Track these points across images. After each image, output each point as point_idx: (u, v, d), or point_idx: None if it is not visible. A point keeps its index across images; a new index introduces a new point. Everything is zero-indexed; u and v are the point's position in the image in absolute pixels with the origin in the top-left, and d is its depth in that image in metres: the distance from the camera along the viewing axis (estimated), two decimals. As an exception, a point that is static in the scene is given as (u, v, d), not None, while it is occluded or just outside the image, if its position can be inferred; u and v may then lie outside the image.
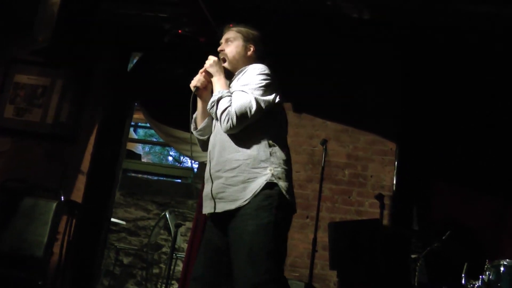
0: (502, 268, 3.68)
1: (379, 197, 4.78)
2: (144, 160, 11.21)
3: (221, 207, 2.60)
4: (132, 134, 9.43)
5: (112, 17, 5.56)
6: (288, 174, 2.66)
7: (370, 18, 4.96)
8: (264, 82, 2.68)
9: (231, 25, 3.00)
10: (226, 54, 2.90)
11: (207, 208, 2.70)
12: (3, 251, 4.53)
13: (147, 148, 13.19)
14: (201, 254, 2.74)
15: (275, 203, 2.53)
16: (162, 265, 7.44)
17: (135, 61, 6.06)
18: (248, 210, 2.52)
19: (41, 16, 4.74)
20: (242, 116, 2.57)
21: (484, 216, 4.83)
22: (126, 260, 7.57)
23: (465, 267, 3.75)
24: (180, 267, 6.77)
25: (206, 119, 2.93)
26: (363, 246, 3.99)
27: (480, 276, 3.73)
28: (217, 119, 2.68)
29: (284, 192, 2.56)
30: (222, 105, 2.63)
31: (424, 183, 5.06)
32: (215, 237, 2.70)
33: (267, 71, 2.73)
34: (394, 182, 5.02)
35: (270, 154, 2.62)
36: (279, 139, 2.73)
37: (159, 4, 5.30)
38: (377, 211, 4.88)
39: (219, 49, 2.94)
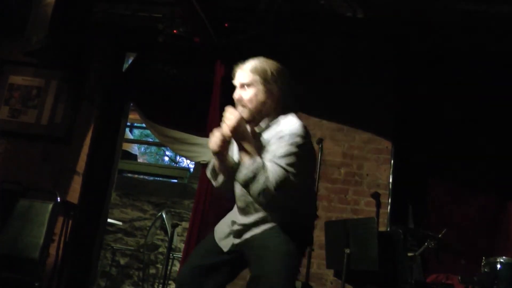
0: (498, 265, 3.70)
1: (375, 196, 4.80)
2: (140, 160, 11.20)
3: (236, 240, 2.59)
4: (128, 135, 9.42)
5: (107, 18, 5.55)
6: (311, 219, 2.76)
7: (364, 17, 4.96)
8: (298, 156, 2.39)
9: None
10: (245, 104, 2.55)
11: (223, 235, 2.67)
12: (-1, 253, 4.53)
13: (142, 148, 13.17)
14: (195, 259, 2.70)
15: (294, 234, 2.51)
16: (158, 266, 7.43)
17: (129, 61, 6.05)
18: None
19: (35, 17, 4.74)
20: (280, 193, 2.35)
21: (480, 214, 4.84)
22: (122, 261, 7.56)
23: (461, 264, 3.77)
24: (177, 267, 6.76)
25: (224, 176, 2.68)
26: (360, 244, 3.98)
27: (477, 274, 3.74)
28: (248, 191, 2.42)
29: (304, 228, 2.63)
30: (258, 183, 2.35)
31: (420, 181, 5.07)
32: (214, 248, 2.68)
33: (303, 139, 2.43)
34: (390, 180, 5.02)
35: (299, 217, 2.60)
36: (308, 200, 2.72)
37: (153, 5, 5.30)
38: (373, 210, 4.91)
39: (235, 96, 2.59)
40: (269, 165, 2.37)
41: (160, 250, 7.52)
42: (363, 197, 5.04)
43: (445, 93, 5.11)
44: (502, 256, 3.77)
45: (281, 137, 2.42)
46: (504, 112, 4.94)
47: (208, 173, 2.73)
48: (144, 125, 7.85)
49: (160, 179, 8.82)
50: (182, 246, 6.51)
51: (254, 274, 2.45)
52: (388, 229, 4.84)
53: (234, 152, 2.65)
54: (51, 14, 4.55)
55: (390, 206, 4.95)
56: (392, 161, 5.07)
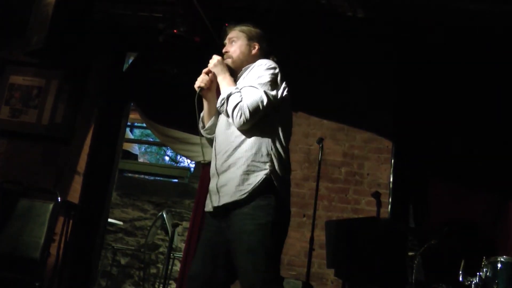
0: (499, 265, 3.69)
1: (376, 195, 4.80)
2: (140, 160, 11.19)
3: (223, 201, 2.62)
4: (128, 134, 9.42)
5: (107, 18, 5.55)
6: (286, 172, 2.70)
7: (365, 16, 4.97)
8: (272, 77, 2.71)
9: (226, 24, 3.00)
10: (230, 55, 2.90)
11: (209, 204, 2.72)
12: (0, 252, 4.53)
13: (143, 148, 13.17)
14: (200, 253, 2.74)
15: (273, 203, 2.55)
16: (159, 265, 7.43)
17: (130, 61, 6.05)
18: (246, 209, 2.54)
19: (36, 17, 4.74)
20: (254, 110, 2.60)
21: (480, 213, 4.83)
22: (123, 261, 7.56)
23: (462, 264, 3.76)
24: (177, 267, 6.76)
25: (212, 118, 2.94)
26: (360, 244, 3.99)
27: (477, 273, 3.74)
28: (227, 115, 2.68)
29: (281, 194, 2.60)
30: (232, 101, 2.64)
31: (421, 181, 5.06)
32: (214, 235, 2.71)
33: (273, 65, 2.77)
34: (391, 180, 5.02)
35: (272, 150, 2.65)
36: (282, 136, 2.76)
37: (153, 4, 5.30)
38: (373, 209, 4.91)
39: (223, 50, 2.93)
40: (243, 89, 2.69)
41: (161, 250, 7.52)
42: (364, 196, 5.04)
43: (446, 93, 5.11)
44: (503, 255, 3.77)
45: (253, 68, 2.79)
46: (505, 112, 4.94)
47: (200, 125, 3.00)
48: (144, 124, 7.84)
49: (161, 178, 8.82)
50: (182, 246, 6.51)
51: (236, 245, 2.54)
52: (389, 229, 4.84)
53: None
54: (51, 14, 4.54)
55: (390, 206, 4.95)
56: (392, 161, 5.07)
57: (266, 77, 2.70)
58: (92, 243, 5.52)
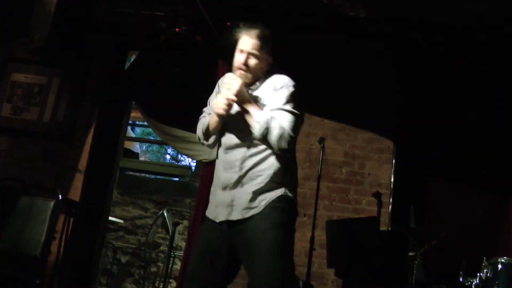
0: (499, 266, 3.70)
1: (377, 195, 4.80)
2: (141, 158, 11.19)
3: (235, 216, 2.66)
4: (130, 133, 9.42)
5: (109, 16, 5.56)
6: (296, 184, 2.81)
7: (367, 16, 4.96)
8: (297, 102, 2.73)
9: (240, 24, 2.92)
10: (250, 70, 2.77)
11: (220, 215, 2.73)
12: (0, 250, 4.53)
13: (144, 146, 13.17)
14: (198, 254, 2.75)
15: (287, 206, 2.66)
16: (160, 264, 7.43)
17: (132, 59, 6.05)
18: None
19: (38, 15, 4.74)
20: (295, 136, 2.66)
21: (481, 214, 4.83)
22: (123, 259, 7.56)
23: (462, 264, 3.76)
24: (178, 265, 6.77)
25: (215, 136, 2.93)
26: (361, 244, 3.99)
27: (478, 274, 3.74)
28: (267, 143, 2.64)
29: (294, 200, 2.72)
30: (275, 130, 2.60)
31: (422, 181, 5.06)
32: (216, 238, 2.72)
33: (296, 86, 2.77)
34: (392, 180, 5.02)
35: (288, 168, 2.73)
36: (294, 152, 2.83)
37: (155, 3, 5.30)
38: (374, 209, 4.91)
39: (243, 62, 2.76)
40: (276, 113, 2.65)
41: (161, 248, 7.53)
42: (365, 196, 5.04)
43: (448, 93, 5.10)
44: (503, 256, 3.77)
45: (277, 89, 2.73)
46: (506, 111, 4.93)
47: (200, 133, 2.97)
48: (146, 123, 7.85)
49: (162, 177, 8.82)
50: (183, 244, 6.51)
51: (251, 244, 2.58)
52: (390, 229, 4.84)
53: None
54: (53, 12, 4.55)
55: (391, 206, 4.95)
56: (393, 161, 5.07)
57: (294, 99, 2.72)
58: (93, 241, 5.53)
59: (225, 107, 2.68)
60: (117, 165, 5.92)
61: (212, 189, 2.86)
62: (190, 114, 5.60)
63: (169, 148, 12.72)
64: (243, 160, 2.70)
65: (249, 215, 2.63)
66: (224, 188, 2.74)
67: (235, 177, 2.70)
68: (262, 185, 2.64)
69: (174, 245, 5.88)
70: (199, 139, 3.02)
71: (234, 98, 2.65)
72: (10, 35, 5.75)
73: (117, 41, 5.90)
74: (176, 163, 12.54)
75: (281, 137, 2.58)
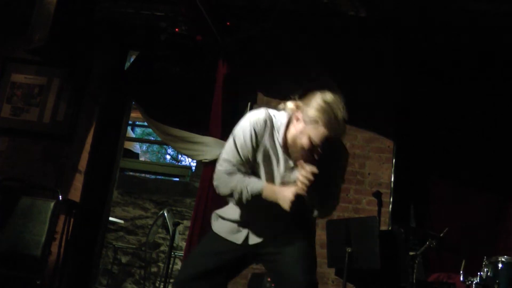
0: (500, 265, 3.70)
1: (377, 195, 4.78)
2: (141, 159, 11.21)
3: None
4: (130, 133, 9.42)
5: (109, 16, 5.55)
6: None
7: (367, 15, 4.96)
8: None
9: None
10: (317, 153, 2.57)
11: (240, 238, 2.67)
12: (1, 250, 4.53)
13: (144, 146, 13.19)
14: (202, 260, 2.67)
15: (312, 219, 2.78)
16: (160, 264, 7.44)
17: (132, 59, 6.05)
18: None
19: (38, 15, 4.74)
20: None
21: (481, 213, 4.84)
22: (124, 259, 7.57)
23: (463, 264, 3.76)
24: (178, 265, 6.78)
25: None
26: (361, 243, 3.98)
27: (478, 273, 3.74)
28: (317, 211, 2.67)
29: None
30: (330, 205, 2.69)
31: (422, 180, 5.06)
32: (228, 251, 2.66)
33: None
34: (392, 179, 5.02)
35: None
36: None
37: (155, 3, 5.30)
38: (374, 209, 4.90)
39: (319, 150, 2.54)
40: (333, 190, 2.66)
41: (162, 248, 7.53)
42: (365, 196, 5.04)
43: (448, 92, 5.11)
44: (504, 255, 3.77)
45: (338, 163, 2.71)
46: (506, 111, 4.94)
47: (237, 196, 2.55)
48: (146, 123, 7.85)
49: (162, 177, 8.82)
50: (183, 244, 6.51)
51: (290, 255, 2.57)
52: (390, 228, 4.84)
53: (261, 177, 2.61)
54: (53, 12, 4.55)
55: (391, 205, 4.95)
56: (394, 160, 5.07)
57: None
58: (93, 242, 5.52)
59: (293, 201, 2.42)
60: (117, 165, 5.92)
61: (249, 213, 2.67)
62: (190, 114, 5.65)
63: (169, 148, 12.74)
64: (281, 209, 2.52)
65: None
66: (248, 215, 2.66)
67: (264, 215, 2.62)
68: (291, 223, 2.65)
69: (174, 245, 5.88)
70: (227, 195, 2.63)
71: (304, 193, 2.41)
72: (10, 35, 5.75)
73: (117, 41, 5.90)
74: (176, 163, 12.56)
75: (332, 210, 2.77)
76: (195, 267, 2.63)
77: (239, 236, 2.65)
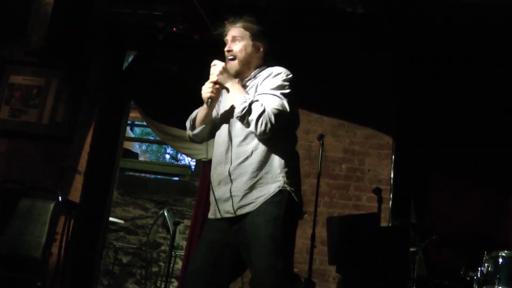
0: (500, 259, 3.70)
1: (377, 191, 4.80)
2: (141, 158, 11.20)
3: (232, 212, 2.62)
4: (129, 133, 9.42)
5: (106, 16, 5.55)
6: (297, 179, 2.71)
7: (365, 12, 4.96)
8: (290, 90, 2.66)
9: (226, 21, 2.92)
10: (235, 54, 2.79)
11: (217, 213, 2.70)
12: (1, 252, 4.52)
13: (144, 146, 13.17)
14: (201, 253, 2.71)
15: (284, 200, 2.57)
16: (161, 263, 7.44)
17: (130, 59, 6.05)
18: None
19: (35, 16, 4.73)
20: (279, 119, 2.54)
21: (482, 208, 4.84)
22: (125, 259, 7.57)
23: (463, 259, 3.77)
24: (179, 265, 6.78)
25: (204, 125, 2.88)
26: (362, 240, 3.99)
27: (479, 268, 3.74)
28: (246, 123, 2.58)
29: (293, 194, 2.60)
30: (256, 110, 2.54)
31: (422, 176, 5.06)
32: (221, 237, 2.69)
33: (291, 77, 2.71)
34: (392, 175, 5.02)
35: (285, 162, 2.64)
36: (293, 147, 2.78)
37: (153, 3, 5.30)
38: (375, 205, 4.91)
39: (226, 48, 2.81)
40: (264, 96, 2.60)
41: (162, 248, 7.53)
42: (365, 192, 5.04)
43: (447, 88, 5.11)
44: (504, 250, 3.77)
45: (271, 76, 2.68)
46: (505, 107, 4.94)
47: (188, 123, 2.94)
48: (145, 123, 7.85)
49: (162, 177, 8.82)
50: (184, 244, 6.52)
51: (248, 241, 2.54)
52: (390, 225, 4.85)
53: (220, 108, 2.88)
54: (51, 13, 4.54)
55: (392, 201, 4.95)
56: (393, 156, 5.07)
57: (287, 87, 2.65)
58: (94, 242, 5.52)
59: (210, 89, 2.70)
60: (117, 166, 5.91)
61: (210, 186, 2.81)
62: (189, 113, 5.64)
63: (168, 147, 12.73)
64: (233, 153, 2.65)
65: (246, 212, 2.58)
66: (219, 183, 2.69)
67: (226, 171, 2.65)
68: (256, 179, 2.58)
69: (175, 244, 5.88)
70: (188, 133, 2.97)
71: (216, 78, 2.70)
72: (8, 37, 5.74)
73: (115, 41, 5.89)
74: (176, 163, 12.55)
75: (261, 118, 2.51)
76: (196, 257, 2.72)
77: (214, 211, 2.72)
